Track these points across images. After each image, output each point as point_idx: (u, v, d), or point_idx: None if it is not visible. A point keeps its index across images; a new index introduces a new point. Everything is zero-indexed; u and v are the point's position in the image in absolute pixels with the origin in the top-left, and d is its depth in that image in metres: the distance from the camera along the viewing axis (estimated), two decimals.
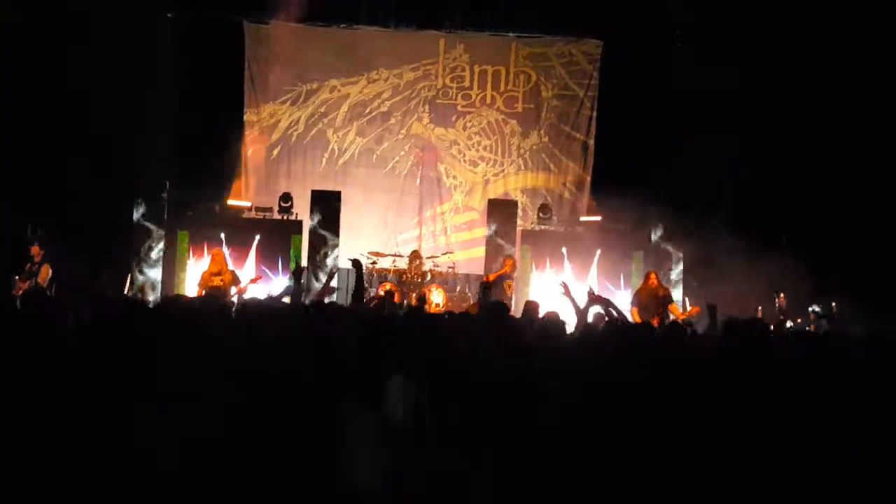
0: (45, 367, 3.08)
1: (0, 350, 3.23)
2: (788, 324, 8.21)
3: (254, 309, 4.43)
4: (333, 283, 10.89)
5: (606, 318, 5.36)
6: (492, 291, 10.53)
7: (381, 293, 10.66)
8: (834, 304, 8.79)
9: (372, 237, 13.27)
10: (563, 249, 12.20)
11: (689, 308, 10.40)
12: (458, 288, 12.76)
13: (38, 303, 4.02)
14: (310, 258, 11.88)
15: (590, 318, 5.30)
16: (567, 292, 5.74)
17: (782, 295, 9.33)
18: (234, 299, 8.68)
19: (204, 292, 9.31)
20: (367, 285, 10.74)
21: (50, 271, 9.59)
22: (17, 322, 3.57)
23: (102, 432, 2.88)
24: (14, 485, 2.74)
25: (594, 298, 5.23)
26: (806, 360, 4.01)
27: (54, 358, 3.21)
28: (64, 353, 3.33)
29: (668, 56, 12.74)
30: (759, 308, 8.87)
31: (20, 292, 9.13)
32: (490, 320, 4.85)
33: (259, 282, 10.16)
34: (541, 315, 5.88)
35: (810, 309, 8.90)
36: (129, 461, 2.84)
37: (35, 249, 9.68)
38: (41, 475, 2.77)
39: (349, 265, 11.11)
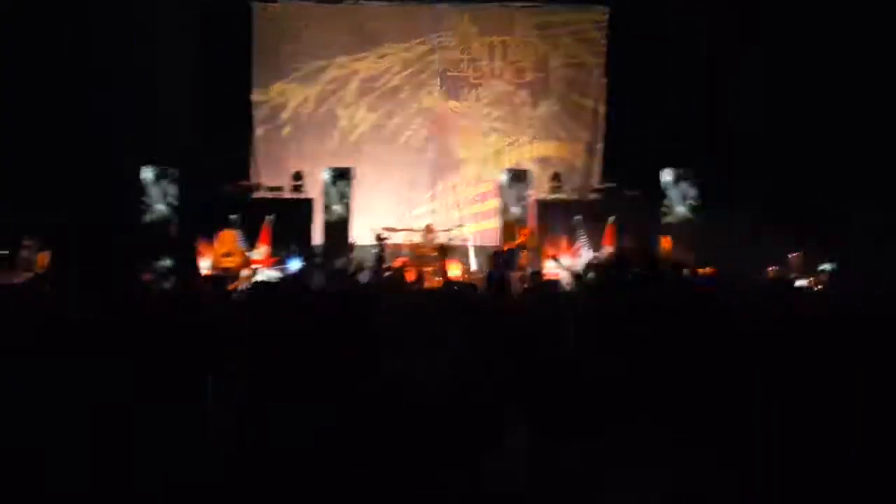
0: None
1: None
2: (799, 283, 8.11)
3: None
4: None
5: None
6: (508, 262, 10.53)
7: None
8: (834, 262, 8.68)
9: (386, 213, 13.25)
10: (578, 217, 12.13)
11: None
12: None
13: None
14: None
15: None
16: (556, 259, 5.75)
17: (796, 254, 9.22)
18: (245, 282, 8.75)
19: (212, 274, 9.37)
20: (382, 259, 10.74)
21: (48, 258, 9.40)
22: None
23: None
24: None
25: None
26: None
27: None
28: None
29: (674, 18, 12.54)
30: (770, 269, 8.75)
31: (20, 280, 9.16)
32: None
33: (272, 262, 10.22)
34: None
35: (820, 268, 8.78)
36: None
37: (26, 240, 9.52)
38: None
39: (368, 241, 11.35)
